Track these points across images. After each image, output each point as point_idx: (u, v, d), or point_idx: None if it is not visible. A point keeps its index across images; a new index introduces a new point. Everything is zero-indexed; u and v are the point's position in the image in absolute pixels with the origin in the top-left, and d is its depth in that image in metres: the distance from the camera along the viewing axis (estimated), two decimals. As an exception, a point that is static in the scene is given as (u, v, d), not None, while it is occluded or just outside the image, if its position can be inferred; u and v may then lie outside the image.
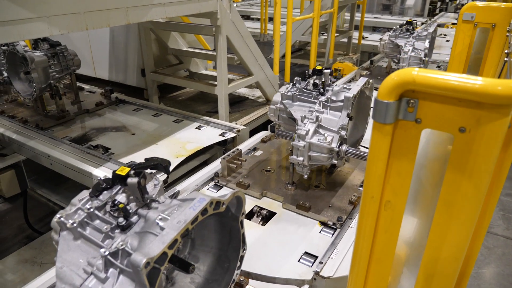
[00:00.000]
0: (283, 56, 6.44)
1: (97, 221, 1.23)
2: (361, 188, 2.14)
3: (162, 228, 1.07)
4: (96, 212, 1.22)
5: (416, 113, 0.94)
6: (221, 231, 1.39)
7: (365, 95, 2.18)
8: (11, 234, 3.83)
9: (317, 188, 2.17)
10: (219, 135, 3.17)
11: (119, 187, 1.24)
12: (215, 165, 2.40)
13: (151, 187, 1.28)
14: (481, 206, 0.98)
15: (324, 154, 1.91)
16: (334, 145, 1.89)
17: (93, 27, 2.20)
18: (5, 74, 3.45)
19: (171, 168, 2.64)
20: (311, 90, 2.09)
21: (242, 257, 1.40)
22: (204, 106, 4.31)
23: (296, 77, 2.25)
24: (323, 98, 1.99)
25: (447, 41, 6.15)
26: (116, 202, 1.19)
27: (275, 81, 4.26)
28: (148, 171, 1.30)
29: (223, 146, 3.22)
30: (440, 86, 0.85)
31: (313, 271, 1.68)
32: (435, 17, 9.51)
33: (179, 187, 2.10)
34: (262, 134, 2.82)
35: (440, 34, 6.53)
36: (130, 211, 1.20)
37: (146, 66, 4.07)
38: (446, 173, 0.96)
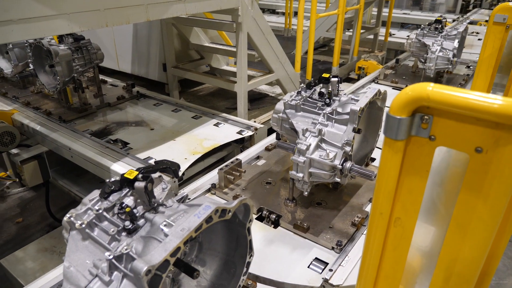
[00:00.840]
0: (306, 52, 6.36)
1: (106, 223, 1.24)
2: (366, 209, 2.02)
3: (166, 235, 1.07)
4: (105, 213, 1.24)
5: (430, 130, 0.89)
6: (228, 236, 1.38)
7: (376, 106, 2.07)
8: (34, 221, 3.97)
9: (319, 205, 2.04)
10: (237, 133, 3.16)
11: (128, 189, 1.24)
12: (213, 175, 2.28)
13: (159, 191, 1.28)
14: (497, 228, 0.92)
15: (325, 172, 1.79)
16: (337, 162, 1.76)
17: (113, 24, 2.22)
18: (31, 66, 3.55)
19: (186, 166, 2.67)
20: (316, 99, 1.99)
21: (249, 263, 1.39)
22: (224, 102, 4.31)
23: (302, 84, 2.16)
24: (328, 110, 1.88)
25: (479, 39, 5.89)
26: (124, 205, 1.20)
27: (296, 79, 4.20)
28: (157, 174, 1.30)
29: (240, 143, 3.21)
30: (456, 104, 0.80)
31: (322, 278, 1.65)
32: (468, 14, 9.13)
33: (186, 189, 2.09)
34: (266, 142, 2.71)
35: (472, 32, 6.27)
36: (137, 214, 1.20)
37: (167, 61, 4.10)
38: (460, 194, 0.91)
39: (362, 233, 1.88)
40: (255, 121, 3.75)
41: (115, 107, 3.72)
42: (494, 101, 0.77)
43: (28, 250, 2.96)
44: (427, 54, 3.74)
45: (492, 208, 0.87)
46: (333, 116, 1.86)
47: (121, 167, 2.62)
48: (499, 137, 0.80)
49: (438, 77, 4.12)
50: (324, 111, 1.89)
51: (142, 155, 2.79)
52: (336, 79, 1.98)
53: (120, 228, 1.18)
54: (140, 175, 1.20)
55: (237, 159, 2.32)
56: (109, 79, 4.41)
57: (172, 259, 1.01)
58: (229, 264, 1.40)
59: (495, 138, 0.81)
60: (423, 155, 0.93)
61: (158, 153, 2.84)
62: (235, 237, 1.36)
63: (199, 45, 4.17)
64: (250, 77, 4.11)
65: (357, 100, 1.87)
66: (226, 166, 2.21)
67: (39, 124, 3.28)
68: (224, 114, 3.44)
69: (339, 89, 2.03)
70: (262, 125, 3.24)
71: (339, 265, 1.70)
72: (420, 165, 0.94)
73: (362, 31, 6.38)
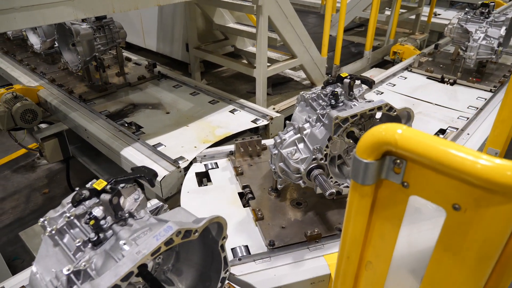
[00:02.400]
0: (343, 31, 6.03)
1: (77, 230, 1.22)
2: (338, 226, 1.89)
3: (122, 256, 1.02)
4: (76, 221, 1.21)
5: (403, 176, 0.76)
6: (204, 249, 1.33)
7: (383, 119, 1.86)
8: (59, 193, 4.15)
9: (298, 205, 2.00)
10: (252, 121, 3.06)
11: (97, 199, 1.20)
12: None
13: (131, 201, 1.23)
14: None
15: (290, 171, 1.74)
16: (302, 165, 1.69)
17: (120, 9, 2.15)
18: (56, 44, 3.60)
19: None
20: (324, 99, 1.87)
21: (224, 278, 1.33)
22: (246, 85, 4.20)
23: (329, 76, 2.04)
24: (320, 112, 1.77)
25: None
26: (92, 215, 1.16)
27: (322, 64, 3.99)
28: (131, 183, 1.25)
29: (255, 133, 3.12)
30: (428, 157, 0.67)
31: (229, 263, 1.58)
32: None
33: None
34: None
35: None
36: (105, 225, 1.16)
37: (189, 41, 4.02)
38: (434, 251, 0.78)
39: (308, 247, 1.79)
40: (274, 108, 3.63)
41: (136, 87, 3.72)
42: (477, 159, 0.63)
43: (45, 225, 3.09)
44: (469, 42, 3.38)
45: (470, 275, 0.74)
46: (322, 119, 1.75)
47: (131, 153, 2.63)
48: (479, 196, 0.66)
49: (480, 67, 3.75)
50: (318, 112, 1.78)
51: (152, 141, 2.78)
52: (348, 80, 1.82)
53: (86, 239, 1.15)
54: (108, 186, 1.15)
55: (258, 137, 2.48)
56: (134, 57, 4.41)
57: (124, 283, 0.97)
58: (204, 277, 1.35)
59: (474, 197, 0.67)
60: (396, 202, 0.80)
61: (168, 140, 2.81)
62: (211, 251, 1.31)
63: (222, 26, 4.03)
64: (273, 61, 3.96)
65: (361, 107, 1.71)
66: (243, 139, 2.45)
67: (60, 102, 3.35)
68: (242, 100, 3.34)
69: (353, 91, 1.86)
70: (279, 114, 3.11)
71: (253, 260, 1.73)
72: (393, 212, 0.82)
73: (403, 10, 5.93)
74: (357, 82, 2.00)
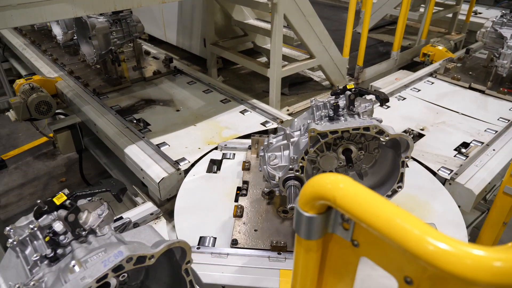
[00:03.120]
0: (371, 30, 5.77)
1: (40, 242, 1.18)
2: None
3: (66, 280, 0.97)
4: (39, 233, 1.17)
5: (352, 233, 0.64)
6: (172, 269, 1.26)
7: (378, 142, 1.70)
8: (75, 183, 4.24)
9: (284, 213, 1.94)
10: (261, 123, 2.96)
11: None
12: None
13: (95, 216, 1.17)
14: None
15: (268, 176, 1.72)
16: (278, 173, 1.66)
17: (122, 7, 2.11)
18: (75, 36, 3.63)
19: (196, 158, 2.56)
20: (328, 109, 1.74)
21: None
22: (262, 84, 4.09)
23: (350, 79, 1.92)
24: (308, 122, 1.69)
25: None
26: (51, 230, 1.11)
27: (343, 65, 3.81)
28: (96, 198, 1.19)
29: (264, 136, 3.01)
30: (369, 224, 0.55)
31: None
32: None
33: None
34: None
35: None
36: (64, 241, 1.12)
37: (206, 37, 3.94)
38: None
39: (268, 256, 1.71)
40: (288, 110, 3.51)
41: (150, 82, 3.70)
42: (428, 239, 0.50)
43: (53, 216, 3.15)
44: (502, 48, 3.10)
45: None
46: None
47: (134, 151, 2.60)
48: (434, 275, 0.54)
49: (515, 76, 3.44)
50: (308, 121, 1.67)
51: (157, 140, 2.74)
52: (349, 93, 1.68)
53: (44, 254, 1.11)
54: (67, 202, 1.10)
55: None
56: (154, 50, 4.40)
57: (65, 311, 0.91)
58: (172, 298, 1.28)
59: (428, 275, 0.55)
60: (346, 260, 0.68)
61: (173, 139, 2.77)
62: (177, 272, 1.23)
63: (240, 22, 3.93)
64: (291, 60, 3.82)
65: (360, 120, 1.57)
66: (260, 136, 2.51)
67: (75, 95, 3.39)
68: (254, 101, 3.24)
69: (354, 105, 1.72)
70: (289, 117, 2.99)
71: (211, 252, 1.73)
72: (344, 270, 0.70)
73: (439, 8, 5.57)
74: (370, 96, 1.86)
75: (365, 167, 1.69)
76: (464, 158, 2.55)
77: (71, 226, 1.08)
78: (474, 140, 2.77)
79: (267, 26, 3.85)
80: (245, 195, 2.14)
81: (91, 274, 0.94)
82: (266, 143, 1.81)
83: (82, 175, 3.80)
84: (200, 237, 1.86)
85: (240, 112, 3.14)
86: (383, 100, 1.69)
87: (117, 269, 0.97)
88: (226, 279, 1.61)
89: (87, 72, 3.84)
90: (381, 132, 1.49)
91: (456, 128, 2.95)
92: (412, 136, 2.86)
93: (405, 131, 2.91)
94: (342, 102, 1.80)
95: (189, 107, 3.24)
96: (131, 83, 3.63)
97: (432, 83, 3.60)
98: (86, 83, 3.55)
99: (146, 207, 2.10)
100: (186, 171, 2.43)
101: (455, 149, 2.67)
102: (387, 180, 1.70)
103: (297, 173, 1.60)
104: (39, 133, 3.78)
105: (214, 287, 1.58)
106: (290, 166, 1.61)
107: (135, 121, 3.03)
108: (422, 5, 5.74)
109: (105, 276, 0.95)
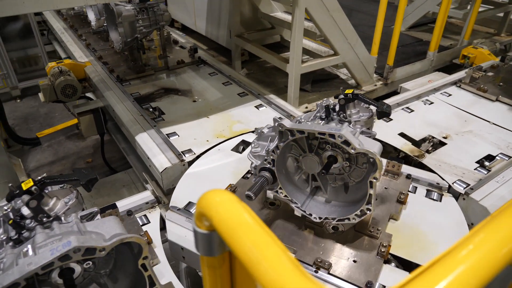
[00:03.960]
0: (411, 28, 5.47)
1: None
2: None
3: (17, 264, 0.99)
4: (11, 215, 1.22)
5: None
6: (135, 262, 1.26)
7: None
8: (100, 164, 4.41)
9: (270, 205, 1.88)
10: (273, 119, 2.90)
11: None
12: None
13: (62, 203, 1.20)
14: None
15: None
16: (256, 161, 1.67)
17: (133, -4, 2.11)
18: (105, 23, 3.75)
19: (202, 150, 2.56)
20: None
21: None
22: (285, 79, 3.99)
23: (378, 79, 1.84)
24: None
25: None
26: (19, 213, 1.15)
27: (371, 63, 3.64)
28: (64, 185, 1.21)
29: (277, 131, 2.96)
30: (234, 250, 0.50)
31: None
32: None
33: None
34: None
35: None
36: (30, 225, 1.15)
37: (232, 28, 3.91)
38: None
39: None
40: (306, 107, 3.42)
41: (173, 71, 3.75)
42: (290, 275, 0.45)
43: (71, 195, 3.31)
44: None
45: None
46: None
47: (143, 139, 2.65)
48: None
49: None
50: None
51: (168, 129, 2.77)
52: (343, 99, 1.60)
53: (10, 236, 1.15)
54: (34, 187, 1.12)
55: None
56: (182, 40, 4.45)
57: (8, 294, 0.94)
58: (136, 289, 1.29)
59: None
60: (251, 280, 0.64)
61: (184, 130, 2.79)
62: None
63: (266, 14, 3.86)
64: (316, 55, 3.71)
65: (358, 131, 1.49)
66: None
67: (100, 80, 3.50)
68: (271, 96, 3.18)
69: (345, 112, 1.64)
70: (303, 114, 2.91)
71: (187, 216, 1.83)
72: (254, 286, 0.66)
73: (488, 6, 5.17)
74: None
75: (353, 180, 1.59)
76: (486, 172, 2.35)
77: (33, 211, 1.11)
78: (501, 153, 2.55)
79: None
80: (247, 178, 2.16)
81: (37, 261, 0.96)
82: (258, 131, 1.78)
83: (104, 158, 3.95)
84: (189, 202, 1.99)
85: (255, 106, 3.10)
86: (379, 112, 1.56)
87: (64, 258, 0.98)
88: (187, 243, 1.74)
89: (115, 59, 3.96)
90: (347, 143, 1.38)
91: (483, 138, 2.73)
92: (431, 143, 2.69)
93: (424, 139, 2.73)
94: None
95: (205, 98, 3.24)
96: (154, 71, 3.69)
97: (449, 95, 3.28)
98: (111, 69, 3.65)
99: (143, 196, 2.14)
100: (190, 163, 2.44)
101: (477, 162, 2.47)
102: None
103: (269, 165, 1.58)
104: (71, 114, 3.96)
105: (176, 247, 1.76)
106: (266, 157, 1.58)
107: (151, 109, 3.08)
108: (470, 2, 5.35)
109: (51, 264, 0.97)
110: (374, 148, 1.38)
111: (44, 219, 1.14)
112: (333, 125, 1.58)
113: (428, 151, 2.63)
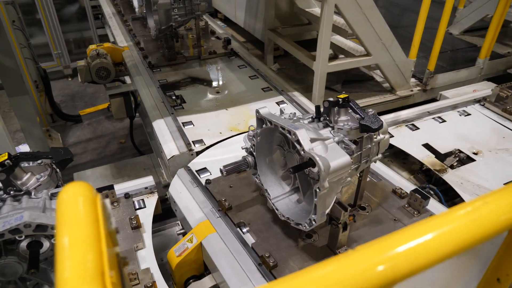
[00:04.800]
0: (466, 32, 5.08)
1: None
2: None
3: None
4: (-11, 184, 1.29)
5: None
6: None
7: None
8: (131, 146, 4.60)
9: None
10: (291, 117, 2.83)
11: (2, 169, 1.25)
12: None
13: (35, 180, 1.25)
14: None
15: None
16: (247, 144, 1.68)
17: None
18: (144, 10, 3.86)
19: (213, 142, 2.56)
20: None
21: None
22: (316, 77, 3.89)
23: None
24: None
25: None
26: (-7, 184, 1.22)
27: (407, 67, 3.42)
28: (40, 161, 1.26)
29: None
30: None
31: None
32: None
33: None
34: None
35: None
36: (3, 196, 1.21)
37: (265, 21, 3.86)
38: None
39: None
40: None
41: (205, 61, 3.78)
42: None
43: (95, 172, 3.48)
44: None
45: None
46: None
47: (159, 125, 2.71)
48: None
49: None
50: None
51: (184, 118, 2.81)
52: (328, 101, 1.52)
53: (-16, 204, 1.22)
54: (7, 161, 1.18)
55: None
56: (220, 31, 4.47)
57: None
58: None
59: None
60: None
61: (200, 120, 2.81)
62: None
63: (301, 10, 3.75)
64: (349, 54, 3.57)
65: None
66: None
67: (133, 65, 3.63)
68: (295, 93, 3.11)
69: (331, 116, 1.55)
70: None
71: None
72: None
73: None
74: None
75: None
76: (512, 196, 2.12)
77: (3, 183, 1.17)
78: (536, 176, 2.29)
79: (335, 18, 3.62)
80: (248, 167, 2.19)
81: (-13, 231, 1.01)
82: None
83: (132, 140, 4.10)
84: (204, 167, 2.27)
85: (276, 102, 3.04)
86: (361, 125, 1.43)
87: (15, 231, 1.02)
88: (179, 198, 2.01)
89: (151, 45, 4.07)
90: (300, 144, 1.31)
91: (520, 158, 2.46)
92: (457, 158, 2.47)
93: (450, 152, 2.52)
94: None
95: (229, 90, 3.24)
96: (186, 60, 3.75)
97: (468, 114, 2.96)
98: (145, 55, 3.76)
99: (145, 181, 2.18)
100: (199, 153, 2.45)
101: (506, 184, 2.23)
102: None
103: (251, 149, 1.64)
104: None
105: (172, 200, 2.08)
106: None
107: (174, 97, 3.14)
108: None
109: (2, 235, 1.01)
110: (336, 160, 1.30)
111: (12, 192, 1.19)
112: (303, 123, 1.51)
113: (452, 166, 2.43)
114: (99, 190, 1.89)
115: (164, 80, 3.40)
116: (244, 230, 1.76)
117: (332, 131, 1.50)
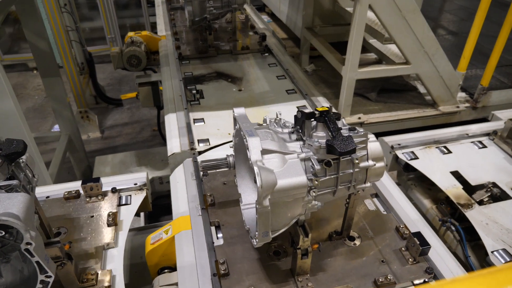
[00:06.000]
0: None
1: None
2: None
3: None
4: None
5: None
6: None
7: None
8: (150, 134, 4.66)
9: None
10: (309, 125, 2.63)
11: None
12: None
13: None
14: None
15: None
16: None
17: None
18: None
19: (224, 141, 2.44)
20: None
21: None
22: (352, 82, 3.61)
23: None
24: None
25: None
26: None
27: (455, 80, 3.03)
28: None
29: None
30: None
31: None
32: None
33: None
34: None
35: None
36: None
37: (303, 19, 3.63)
38: None
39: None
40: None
41: (236, 56, 3.67)
42: None
43: (115, 157, 3.55)
44: None
45: None
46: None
47: (170, 120, 2.66)
48: None
49: None
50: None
51: (197, 114, 2.74)
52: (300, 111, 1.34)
53: None
54: (-46, 149, 1.17)
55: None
56: (261, 26, 4.33)
57: None
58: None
59: None
60: None
61: (212, 118, 2.71)
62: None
63: (342, 9, 3.47)
64: (389, 60, 3.26)
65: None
66: None
67: (164, 55, 3.63)
68: (319, 98, 2.90)
69: (303, 129, 1.36)
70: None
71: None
72: None
73: None
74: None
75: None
76: (546, 249, 1.76)
77: None
78: None
79: (372, 17, 3.31)
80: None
81: None
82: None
83: (159, 129, 4.14)
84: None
85: (296, 107, 2.86)
86: (328, 145, 1.22)
87: None
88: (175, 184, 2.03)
89: (187, 36, 4.05)
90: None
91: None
92: (489, 193, 2.12)
93: (482, 185, 2.17)
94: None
95: (252, 89, 3.11)
96: (217, 53, 3.67)
97: (480, 147, 2.47)
98: (178, 46, 3.74)
99: (136, 176, 2.13)
100: (201, 153, 2.36)
101: (543, 233, 1.87)
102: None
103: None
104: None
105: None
106: None
107: (194, 91, 3.07)
108: None
109: None
110: (288, 178, 1.15)
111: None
112: (273, 132, 1.35)
113: (481, 202, 2.09)
114: (84, 182, 1.86)
115: (190, 73, 3.35)
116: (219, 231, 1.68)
117: (302, 146, 1.32)
